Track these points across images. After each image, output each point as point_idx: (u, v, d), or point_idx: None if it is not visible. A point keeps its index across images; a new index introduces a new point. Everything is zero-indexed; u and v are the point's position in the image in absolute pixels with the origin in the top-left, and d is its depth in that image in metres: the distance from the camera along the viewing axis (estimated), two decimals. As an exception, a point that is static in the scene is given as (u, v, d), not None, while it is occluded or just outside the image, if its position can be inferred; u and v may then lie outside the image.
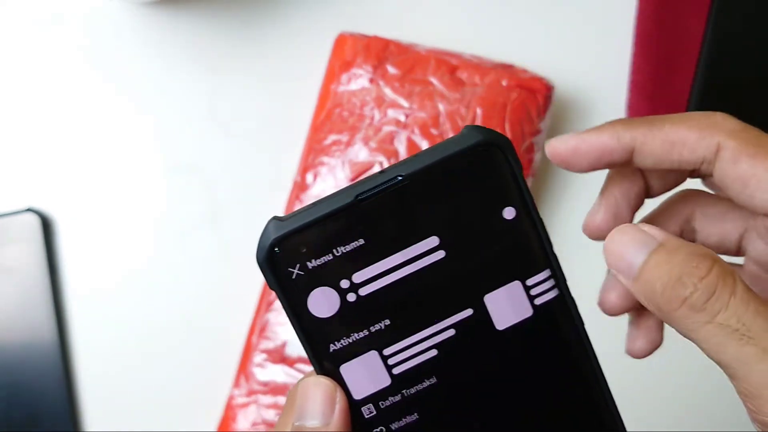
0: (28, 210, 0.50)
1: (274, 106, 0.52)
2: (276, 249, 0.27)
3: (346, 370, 0.28)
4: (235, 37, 0.52)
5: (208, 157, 0.52)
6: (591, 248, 0.53)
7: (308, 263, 0.27)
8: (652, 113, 0.52)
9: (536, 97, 0.49)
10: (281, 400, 0.49)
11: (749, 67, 0.53)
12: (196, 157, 0.52)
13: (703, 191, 0.31)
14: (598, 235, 0.31)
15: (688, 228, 0.31)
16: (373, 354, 0.28)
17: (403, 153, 0.48)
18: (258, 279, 0.51)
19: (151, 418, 0.51)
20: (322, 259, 0.27)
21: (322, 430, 0.26)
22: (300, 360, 0.49)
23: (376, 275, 0.27)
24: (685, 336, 0.25)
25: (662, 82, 0.53)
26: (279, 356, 0.49)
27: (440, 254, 0.27)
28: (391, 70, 0.49)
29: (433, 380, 0.28)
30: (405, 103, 0.49)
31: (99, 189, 0.52)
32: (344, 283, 0.27)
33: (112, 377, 0.51)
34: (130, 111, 0.52)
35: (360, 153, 0.49)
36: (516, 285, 0.28)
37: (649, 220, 0.32)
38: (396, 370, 0.28)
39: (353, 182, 0.28)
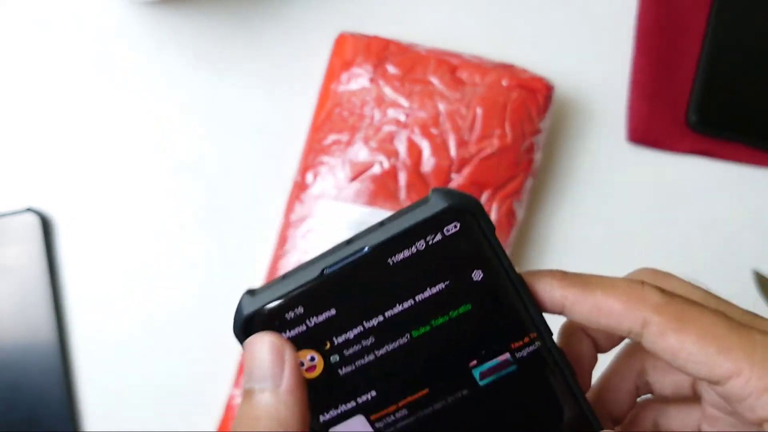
0: (28, 210, 0.50)
1: (274, 105, 0.52)
2: (251, 323, 0.27)
3: None
4: (235, 36, 0.52)
5: (208, 157, 0.52)
6: (592, 247, 0.53)
7: (283, 334, 0.27)
8: (652, 113, 0.52)
9: (536, 97, 0.49)
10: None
11: (749, 68, 0.53)
12: (196, 157, 0.52)
13: None
14: None
15: (642, 382, 0.32)
16: (360, 418, 0.28)
17: (403, 153, 0.48)
18: (258, 279, 0.51)
19: (151, 418, 0.51)
20: (295, 329, 0.27)
21: (273, 394, 0.26)
22: (300, 360, 0.49)
23: (347, 342, 0.27)
24: None
25: (662, 82, 0.53)
26: (279, 356, 0.49)
27: (412, 325, 0.27)
28: (391, 70, 0.49)
29: None
30: (405, 103, 0.49)
31: (99, 189, 0.52)
32: (314, 353, 0.27)
33: (112, 377, 0.51)
34: (130, 111, 0.52)
35: (360, 153, 0.49)
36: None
37: (603, 382, 0.32)
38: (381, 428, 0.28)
39: (321, 253, 0.28)
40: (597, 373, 0.32)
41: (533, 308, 0.28)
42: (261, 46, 0.52)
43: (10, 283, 0.50)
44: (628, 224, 0.53)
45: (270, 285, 0.27)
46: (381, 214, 0.48)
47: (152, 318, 0.51)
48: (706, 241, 0.53)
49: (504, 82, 0.49)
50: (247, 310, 0.27)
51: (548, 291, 0.28)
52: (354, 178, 0.49)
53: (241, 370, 0.49)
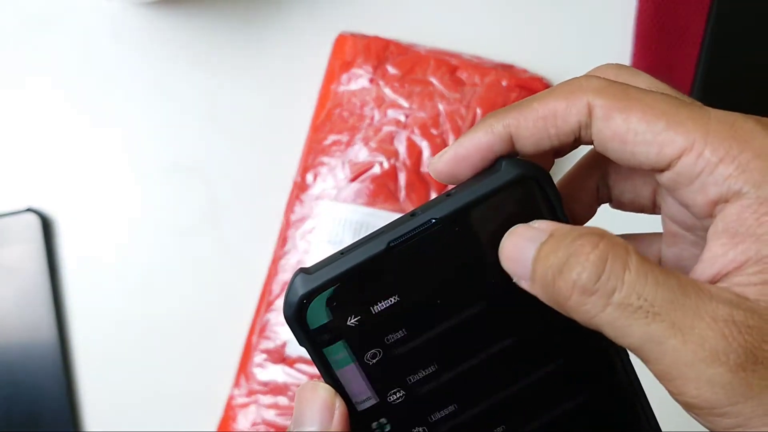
0: (28, 210, 0.50)
1: (274, 106, 0.52)
2: (307, 304, 0.25)
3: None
4: (235, 37, 0.52)
5: (208, 157, 0.52)
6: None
7: (342, 320, 0.25)
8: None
9: (536, 97, 0.49)
10: (281, 400, 0.49)
11: (749, 67, 0.53)
12: (196, 157, 0.52)
13: None
14: None
15: (603, 184, 0.30)
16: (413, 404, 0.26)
17: (403, 153, 0.48)
18: (258, 279, 0.51)
19: (151, 418, 0.51)
20: (355, 316, 0.25)
21: None
22: (300, 360, 0.49)
23: (411, 331, 0.25)
24: (590, 327, 0.23)
25: (662, 81, 0.53)
26: (279, 356, 0.49)
27: (482, 305, 0.25)
28: (391, 70, 0.49)
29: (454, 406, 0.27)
30: (405, 103, 0.49)
31: (99, 189, 0.52)
32: (380, 342, 0.25)
33: (112, 377, 0.51)
34: (130, 111, 0.52)
35: (360, 153, 0.49)
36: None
37: (564, 181, 0.30)
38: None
39: (383, 227, 0.25)
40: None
41: None
42: (261, 46, 0.52)
43: (10, 283, 0.50)
44: (627, 224, 0.53)
45: (327, 261, 0.25)
46: (381, 214, 0.48)
47: (152, 318, 0.51)
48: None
49: (504, 83, 0.49)
50: (303, 289, 0.25)
51: (490, 131, 0.26)
52: (354, 179, 0.49)
53: (242, 368, 0.49)
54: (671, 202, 0.27)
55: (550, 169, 0.29)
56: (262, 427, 0.49)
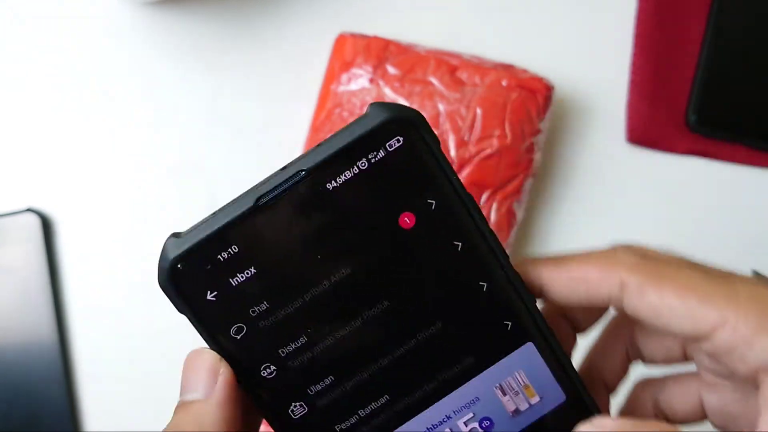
0: (28, 210, 0.50)
1: (274, 106, 0.52)
2: (178, 269, 0.24)
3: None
4: (235, 36, 0.52)
5: (208, 156, 0.52)
6: (591, 248, 0.53)
7: (219, 283, 0.24)
8: (652, 114, 0.52)
9: (536, 97, 0.49)
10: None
11: (749, 67, 0.53)
12: (196, 157, 0.52)
13: None
14: None
15: (633, 348, 0.31)
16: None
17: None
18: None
19: (151, 418, 0.51)
20: (231, 277, 0.24)
21: (201, 403, 0.25)
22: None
23: (280, 298, 0.24)
24: None
25: (662, 82, 0.53)
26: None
27: (355, 265, 0.24)
28: (391, 70, 0.49)
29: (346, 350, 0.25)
30: (405, 103, 0.49)
31: (99, 189, 0.52)
32: (259, 305, 0.24)
33: (112, 377, 0.51)
34: (131, 111, 0.52)
35: (360, 153, 0.49)
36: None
37: (595, 351, 0.32)
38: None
39: (255, 185, 0.25)
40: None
41: (489, 234, 0.25)
42: (261, 46, 0.52)
43: (10, 283, 0.50)
44: (627, 225, 0.53)
45: (198, 225, 0.24)
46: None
47: (152, 318, 0.51)
48: (704, 242, 0.53)
49: (504, 83, 0.49)
50: (174, 253, 0.24)
51: (524, 273, 0.27)
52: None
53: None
54: (704, 356, 0.29)
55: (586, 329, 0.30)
56: (262, 428, 0.49)
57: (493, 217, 0.48)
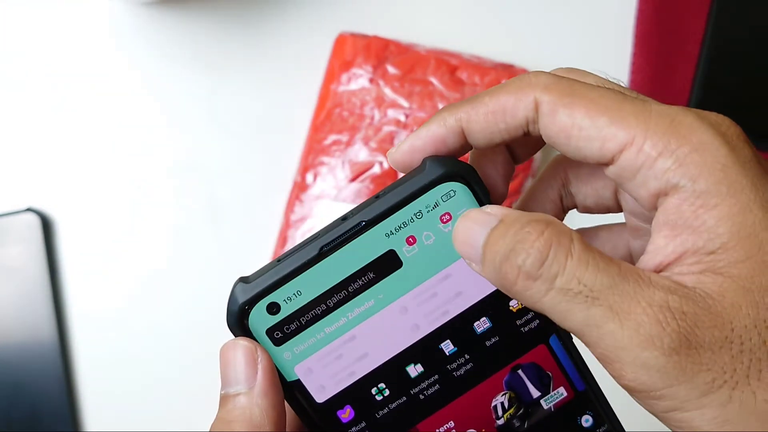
0: (28, 210, 0.50)
1: (274, 106, 0.52)
2: (247, 312, 0.26)
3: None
4: (235, 37, 0.52)
5: (208, 157, 0.52)
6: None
7: (282, 325, 0.26)
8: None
9: (536, 97, 0.49)
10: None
11: (749, 67, 0.53)
12: (196, 157, 0.52)
13: None
14: None
15: (566, 192, 0.30)
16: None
17: (403, 153, 0.48)
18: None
19: (151, 418, 0.51)
20: (293, 322, 0.26)
21: (247, 395, 0.25)
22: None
23: (350, 327, 0.26)
24: (534, 310, 0.24)
25: (662, 82, 0.53)
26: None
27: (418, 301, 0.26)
28: (391, 70, 0.49)
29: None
30: (405, 103, 0.49)
31: (99, 189, 0.52)
32: (324, 339, 0.26)
33: (112, 377, 0.51)
34: (130, 111, 0.52)
35: (360, 153, 0.49)
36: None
37: (528, 194, 0.31)
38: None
39: (316, 232, 0.26)
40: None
41: None
42: (261, 46, 0.52)
43: (10, 283, 0.50)
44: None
45: (265, 269, 0.26)
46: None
47: (152, 318, 0.51)
48: (705, 241, 0.53)
49: (504, 82, 0.49)
50: (242, 298, 0.26)
51: (443, 124, 0.27)
52: (354, 179, 0.49)
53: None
54: (628, 197, 0.28)
55: (513, 170, 0.30)
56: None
57: (493, 217, 0.49)
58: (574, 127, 0.24)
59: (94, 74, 0.52)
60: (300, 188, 0.49)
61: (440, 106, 0.48)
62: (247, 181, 0.52)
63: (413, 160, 0.27)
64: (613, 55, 0.53)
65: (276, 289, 0.26)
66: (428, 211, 0.26)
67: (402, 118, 0.49)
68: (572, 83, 0.25)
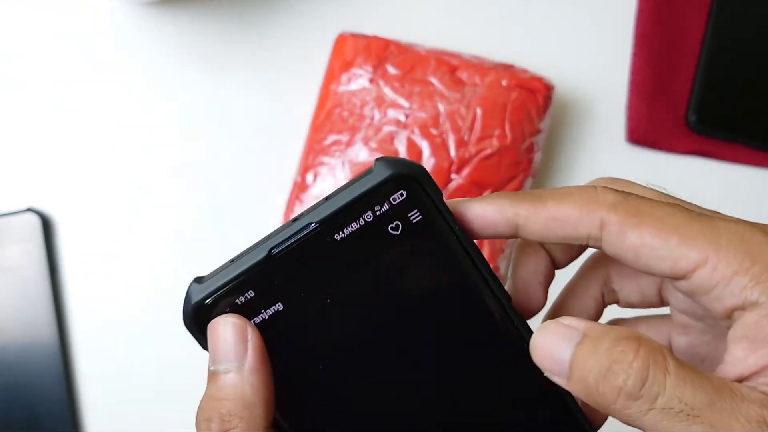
0: (28, 210, 0.50)
1: (274, 106, 0.52)
2: (200, 311, 0.26)
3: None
4: (235, 37, 0.52)
5: (208, 157, 0.52)
6: (589, 249, 0.53)
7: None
8: (652, 113, 0.52)
9: (536, 97, 0.49)
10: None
11: (749, 67, 0.53)
12: (196, 157, 0.52)
13: None
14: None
15: (608, 290, 0.31)
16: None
17: (403, 153, 0.48)
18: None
19: (151, 419, 0.51)
20: (250, 320, 0.26)
21: (237, 372, 0.26)
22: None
23: (303, 324, 0.26)
24: (632, 425, 0.24)
25: (662, 82, 0.53)
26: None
27: (359, 308, 0.26)
28: (391, 70, 0.49)
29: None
30: (405, 103, 0.49)
31: (99, 189, 0.52)
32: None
33: (112, 377, 0.51)
34: (130, 111, 0.52)
35: (360, 153, 0.49)
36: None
37: (568, 290, 0.31)
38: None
39: (268, 234, 0.27)
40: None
41: (492, 279, 0.27)
42: (261, 46, 0.52)
43: (10, 283, 0.50)
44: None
45: (218, 270, 0.27)
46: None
47: (152, 318, 0.51)
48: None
49: (504, 83, 0.49)
50: (196, 297, 0.26)
51: (501, 211, 0.27)
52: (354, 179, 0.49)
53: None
54: (679, 297, 0.29)
55: (553, 276, 0.30)
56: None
57: (493, 217, 0.48)
58: (644, 247, 0.25)
59: (95, 74, 0.52)
60: (300, 188, 0.49)
61: (440, 106, 0.48)
62: (248, 181, 0.52)
63: (465, 226, 0.27)
64: (613, 55, 0.53)
65: (226, 289, 0.26)
66: (378, 212, 0.26)
67: (402, 118, 0.49)
68: (638, 202, 0.26)
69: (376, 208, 0.26)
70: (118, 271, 0.52)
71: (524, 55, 0.52)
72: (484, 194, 0.27)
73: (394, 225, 0.26)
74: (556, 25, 0.53)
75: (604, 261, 0.31)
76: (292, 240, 0.26)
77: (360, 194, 0.26)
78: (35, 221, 0.50)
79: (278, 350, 0.26)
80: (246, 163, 0.52)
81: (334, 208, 0.26)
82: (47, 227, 0.51)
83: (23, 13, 0.52)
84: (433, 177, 0.27)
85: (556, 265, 0.30)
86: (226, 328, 0.26)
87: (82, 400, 0.51)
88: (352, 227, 0.26)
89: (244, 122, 0.52)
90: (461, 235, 0.26)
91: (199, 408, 0.26)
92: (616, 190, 0.26)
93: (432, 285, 0.27)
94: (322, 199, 0.26)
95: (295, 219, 0.26)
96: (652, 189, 0.28)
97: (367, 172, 0.26)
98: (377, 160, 0.26)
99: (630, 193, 0.26)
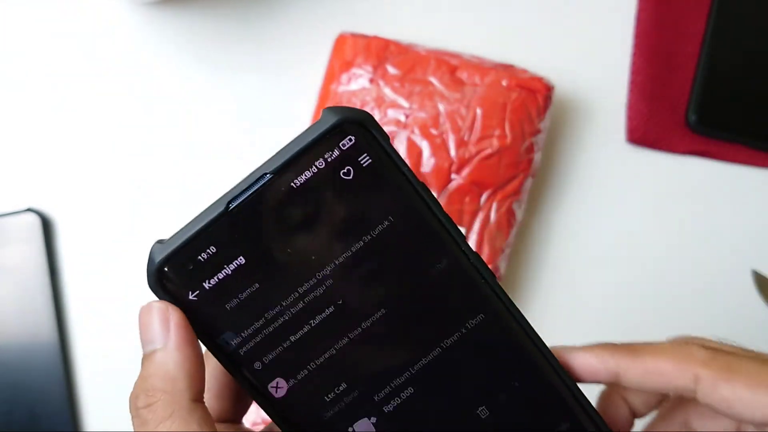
0: (28, 210, 0.50)
1: (275, 105, 0.52)
2: (164, 271, 0.27)
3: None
4: (236, 37, 0.52)
5: (208, 157, 0.52)
6: (591, 248, 0.53)
7: (202, 282, 0.26)
8: (652, 114, 0.52)
9: (536, 97, 0.49)
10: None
11: (749, 68, 0.53)
12: (196, 158, 0.52)
13: None
14: None
15: (689, 429, 0.33)
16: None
17: (403, 153, 0.48)
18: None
19: (151, 418, 0.51)
20: (210, 279, 0.26)
21: (161, 351, 0.27)
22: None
23: (263, 290, 0.26)
24: None
25: (662, 82, 0.53)
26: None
27: (327, 261, 0.27)
28: (391, 70, 0.49)
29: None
30: (405, 103, 0.49)
31: (99, 189, 0.52)
32: (234, 300, 0.27)
33: (112, 377, 0.51)
34: (130, 110, 0.52)
35: (360, 153, 0.49)
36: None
37: (650, 429, 0.34)
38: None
39: (227, 191, 0.27)
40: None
41: (443, 216, 0.27)
42: (261, 46, 0.52)
43: (10, 283, 0.50)
44: (627, 225, 0.53)
45: (179, 230, 0.27)
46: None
47: (152, 318, 0.51)
48: (705, 242, 0.53)
49: (504, 83, 0.49)
50: (158, 257, 0.27)
51: (604, 362, 0.30)
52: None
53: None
54: None
55: (632, 426, 0.33)
56: (261, 427, 0.49)
57: (492, 217, 0.49)
58: (736, 400, 0.28)
59: (95, 74, 0.52)
60: (300, 188, 0.49)
61: (440, 106, 0.48)
62: (247, 181, 0.52)
63: (569, 371, 0.30)
64: (613, 55, 0.53)
65: (188, 247, 0.26)
66: (329, 159, 0.26)
67: (402, 119, 0.49)
68: (728, 359, 0.29)
69: (326, 155, 0.26)
70: (118, 271, 0.52)
71: (524, 55, 0.52)
72: (585, 345, 0.31)
73: (345, 170, 0.26)
74: (556, 25, 0.53)
75: (683, 406, 0.33)
76: (248, 192, 0.26)
77: (310, 142, 0.26)
78: (35, 221, 0.50)
79: (245, 304, 0.27)
80: (246, 164, 0.52)
81: (286, 157, 0.26)
82: (47, 227, 0.51)
83: (23, 13, 0.52)
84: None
85: (635, 414, 0.33)
86: (150, 313, 0.27)
87: (82, 400, 0.51)
88: (305, 175, 0.26)
89: (244, 122, 0.52)
90: (410, 175, 0.27)
91: (132, 390, 0.28)
92: (706, 347, 0.29)
93: (387, 226, 0.27)
94: (276, 153, 0.27)
95: (251, 173, 0.27)
96: (729, 345, 0.31)
97: (317, 122, 0.27)
98: (324, 109, 0.27)
99: (719, 350, 0.29)
